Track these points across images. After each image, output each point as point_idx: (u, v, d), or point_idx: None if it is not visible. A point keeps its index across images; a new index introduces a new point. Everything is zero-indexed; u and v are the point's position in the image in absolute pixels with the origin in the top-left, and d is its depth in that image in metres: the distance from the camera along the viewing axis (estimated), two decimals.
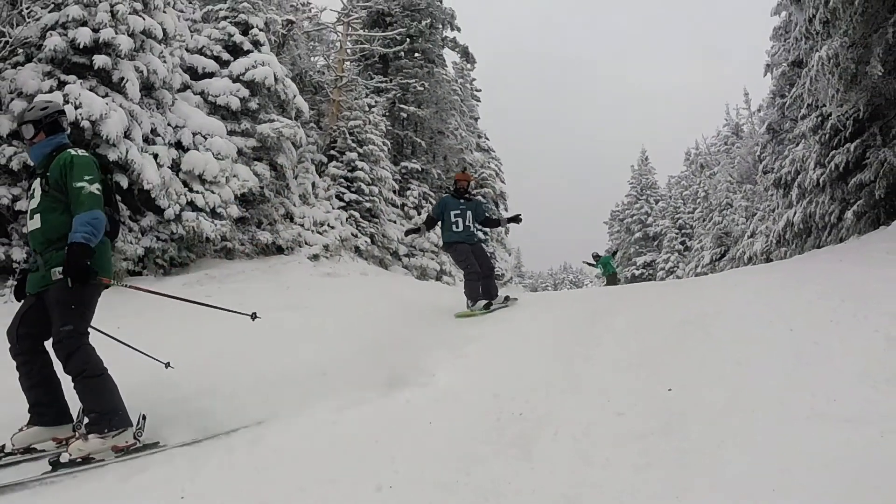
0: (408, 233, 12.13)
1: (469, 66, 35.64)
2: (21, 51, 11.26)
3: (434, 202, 25.23)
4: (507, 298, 9.96)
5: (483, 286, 9.64)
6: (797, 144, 18.28)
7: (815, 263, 10.79)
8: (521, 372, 5.21)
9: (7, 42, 11.20)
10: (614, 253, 27.87)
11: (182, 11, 15.88)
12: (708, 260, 35.63)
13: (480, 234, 24.97)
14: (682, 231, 45.57)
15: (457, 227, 9.83)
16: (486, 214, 10.48)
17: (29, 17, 11.41)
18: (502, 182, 34.74)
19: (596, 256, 25.50)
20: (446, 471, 3.35)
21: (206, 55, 15.57)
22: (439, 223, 10.03)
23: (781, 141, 22.45)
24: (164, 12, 12.82)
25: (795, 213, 17.12)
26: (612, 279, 24.21)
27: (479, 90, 37.94)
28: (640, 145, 79.90)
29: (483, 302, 9.45)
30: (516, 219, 10.65)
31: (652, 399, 4.14)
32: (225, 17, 16.36)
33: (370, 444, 3.92)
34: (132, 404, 4.30)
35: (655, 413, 3.88)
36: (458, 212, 9.87)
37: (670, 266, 43.63)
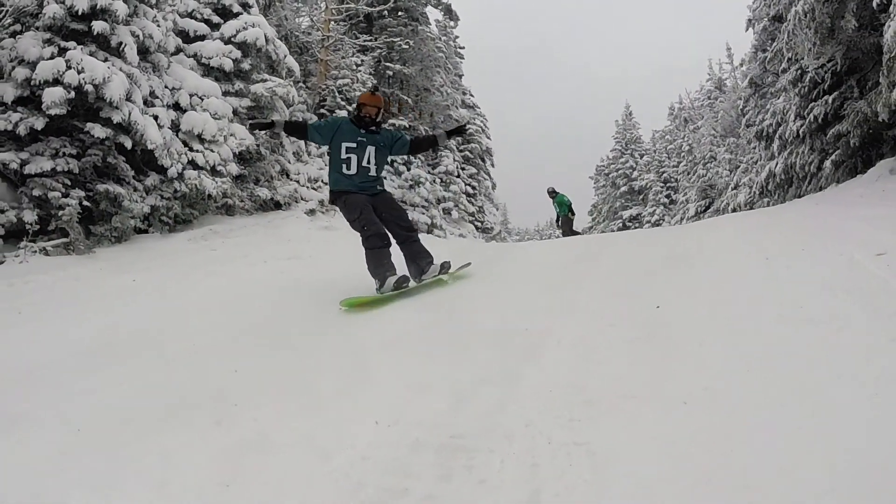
0: (253, 127, 7.46)
1: (452, 23, 35.75)
2: (12, 19, 11.43)
3: (420, 156, 25.28)
4: (444, 266, 6.74)
5: (405, 254, 6.80)
6: (778, 97, 18.78)
7: (793, 207, 11.39)
8: (519, 300, 5.73)
9: (5, 12, 11.40)
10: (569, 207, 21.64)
11: None
12: (693, 212, 36.26)
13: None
14: (668, 184, 46.22)
15: (347, 168, 6.60)
16: (411, 140, 7.21)
17: None
18: (488, 138, 35.11)
19: (552, 192, 21.88)
20: (466, 369, 3.89)
21: (196, 18, 15.79)
22: (325, 153, 6.31)
23: (764, 95, 22.95)
24: None
25: (777, 164, 17.66)
26: (566, 224, 21.48)
27: (463, 47, 38.06)
28: (624, 100, 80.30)
29: (394, 279, 6.27)
30: (461, 130, 7.59)
31: (640, 314, 4.66)
32: None
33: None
34: None
35: (643, 324, 4.40)
36: (354, 145, 6.60)
37: (656, 219, 44.33)
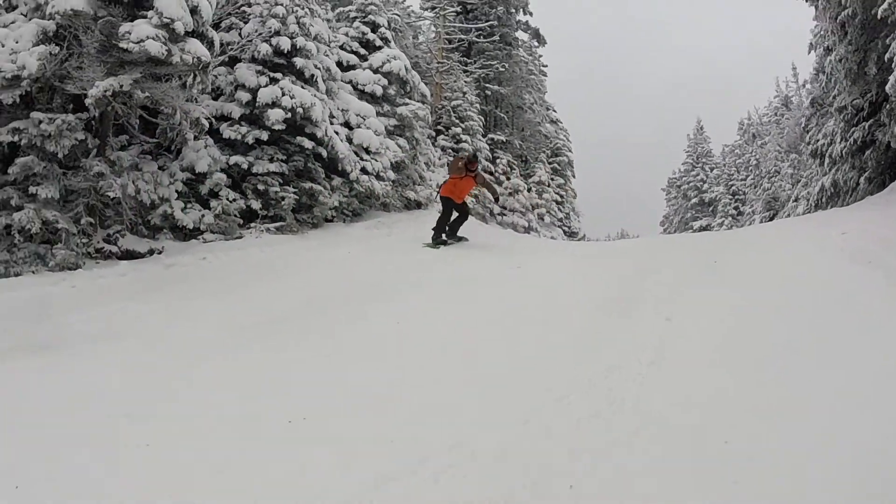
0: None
1: (538, 45, 39.06)
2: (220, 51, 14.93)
3: (517, 167, 29.28)
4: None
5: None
6: (829, 120, 21.77)
7: (823, 214, 14.86)
8: (614, 280, 9.18)
9: (218, 45, 15.01)
10: None
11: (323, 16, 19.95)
12: (758, 223, 38.80)
13: None
14: (736, 197, 48.61)
15: None
16: None
17: (233, 28, 15.28)
18: (570, 151, 38.44)
19: None
20: (579, 321, 7.30)
21: (345, 51, 19.56)
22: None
23: (825, 114, 25.63)
24: (319, 17, 16.80)
25: (827, 179, 20.70)
26: None
27: (546, 66, 41.26)
28: (696, 115, 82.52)
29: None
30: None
31: (708, 266, 8.32)
32: (355, 18, 20.24)
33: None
34: None
35: (710, 271, 8.04)
36: None
37: (724, 230, 46.84)
